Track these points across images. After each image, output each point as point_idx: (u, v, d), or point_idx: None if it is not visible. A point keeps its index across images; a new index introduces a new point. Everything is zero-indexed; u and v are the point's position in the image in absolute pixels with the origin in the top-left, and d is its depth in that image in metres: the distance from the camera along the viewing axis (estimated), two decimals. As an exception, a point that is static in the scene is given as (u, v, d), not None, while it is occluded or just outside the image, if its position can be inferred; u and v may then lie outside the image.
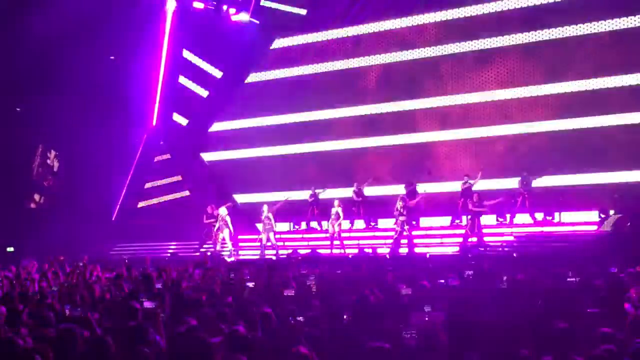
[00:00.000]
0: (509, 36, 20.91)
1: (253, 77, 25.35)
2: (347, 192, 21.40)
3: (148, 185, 26.75)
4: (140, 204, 26.55)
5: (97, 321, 6.61)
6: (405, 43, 22.60)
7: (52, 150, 25.15)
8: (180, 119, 26.65)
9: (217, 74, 25.95)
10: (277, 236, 20.62)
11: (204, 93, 26.16)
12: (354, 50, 23.50)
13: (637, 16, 19.06)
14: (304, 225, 22.53)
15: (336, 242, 19.79)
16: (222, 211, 20.57)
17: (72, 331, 5.53)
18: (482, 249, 17.40)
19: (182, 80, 26.15)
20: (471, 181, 19.58)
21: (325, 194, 21.90)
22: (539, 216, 19.46)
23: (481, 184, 19.55)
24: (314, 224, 22.26)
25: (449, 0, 21.81)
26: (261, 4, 24.39)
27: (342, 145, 23.47)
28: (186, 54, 25.99)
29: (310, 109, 23.79)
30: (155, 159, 26.80)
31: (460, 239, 18.55)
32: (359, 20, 23.32)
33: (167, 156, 26.78)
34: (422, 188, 19.77)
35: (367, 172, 22.14)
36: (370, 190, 21.59)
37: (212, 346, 5.34)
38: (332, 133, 23.49)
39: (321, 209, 21.48)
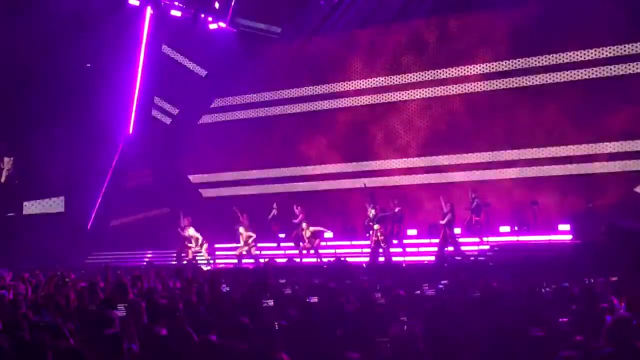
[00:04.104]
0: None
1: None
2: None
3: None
4: (116, 222, 26.07)
5: (71, 330, 6.51)
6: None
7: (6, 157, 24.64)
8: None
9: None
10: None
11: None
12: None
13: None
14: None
15: (311, 251, 19.80)
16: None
17: (42, 341, 5.43)
18: (459, 258, 17.48)
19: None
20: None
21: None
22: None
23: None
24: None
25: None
26: (238, 21, 24.28)
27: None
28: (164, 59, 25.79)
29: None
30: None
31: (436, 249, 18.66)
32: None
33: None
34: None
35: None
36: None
37: (186, 356, 5.30)
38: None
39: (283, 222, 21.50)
